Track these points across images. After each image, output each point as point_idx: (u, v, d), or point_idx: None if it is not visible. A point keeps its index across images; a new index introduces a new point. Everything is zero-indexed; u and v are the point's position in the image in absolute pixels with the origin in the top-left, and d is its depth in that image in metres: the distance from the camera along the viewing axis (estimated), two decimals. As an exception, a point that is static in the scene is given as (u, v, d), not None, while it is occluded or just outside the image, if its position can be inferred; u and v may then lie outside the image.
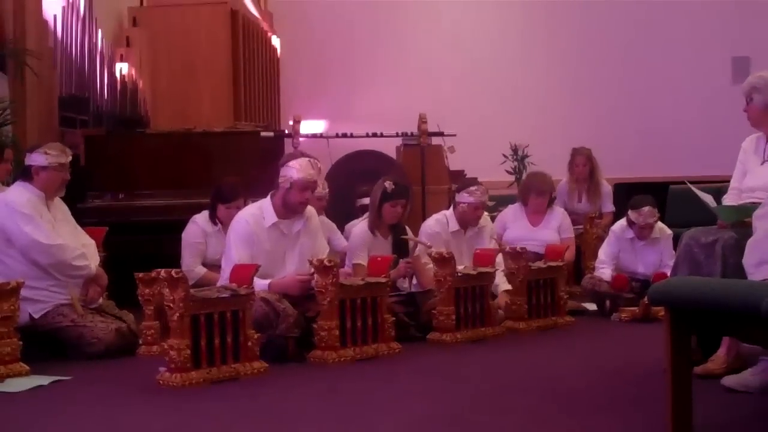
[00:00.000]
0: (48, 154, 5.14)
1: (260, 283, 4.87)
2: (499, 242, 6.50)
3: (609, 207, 8.01)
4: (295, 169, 5.06)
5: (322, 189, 6.36)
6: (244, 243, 5.05)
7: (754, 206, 4.08)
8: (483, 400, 4.01)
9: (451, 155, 8.45)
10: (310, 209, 5.36)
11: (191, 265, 6.06)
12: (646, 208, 6.31)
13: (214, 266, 5.80)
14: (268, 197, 5.19)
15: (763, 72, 4.46)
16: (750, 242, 3.86)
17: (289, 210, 5.13)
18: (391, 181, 5.86)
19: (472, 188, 6.12)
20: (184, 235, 6.23)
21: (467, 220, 6.17)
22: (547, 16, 11.47)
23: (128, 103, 8.64)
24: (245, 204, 5.91)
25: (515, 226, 6.92)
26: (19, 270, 4.97)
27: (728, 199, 4.52)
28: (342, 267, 5.42)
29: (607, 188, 8.08)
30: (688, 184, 5.04)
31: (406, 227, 6.06)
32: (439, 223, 6.18)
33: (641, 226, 6.33)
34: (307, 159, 5.13)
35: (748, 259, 3.81)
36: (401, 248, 5.93)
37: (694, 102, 11.13)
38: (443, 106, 9.65)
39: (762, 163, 4.43)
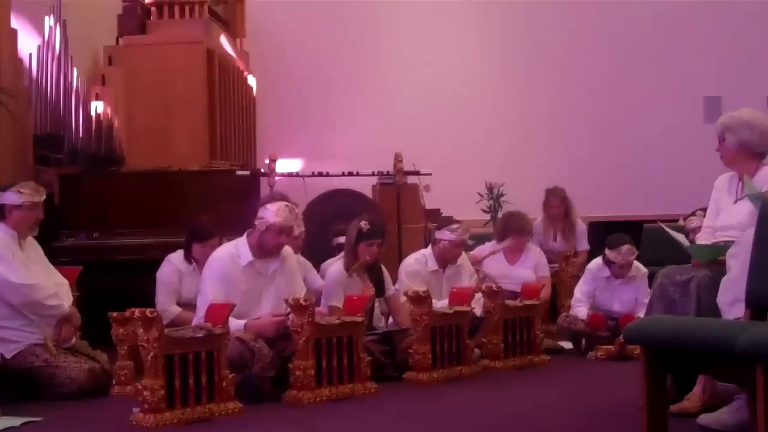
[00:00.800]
0: (21, 192, 5.12)
1: (236, 323, 4.85)
2: (479, 278, 6.53)
3: (584, 245, 8.04)
4: (272, 213, 5.07)
5: (298, 228, 6.36)
6: (219, 282, 5.04)
7: (727, 245, 4.11)
8: (459, 440, 3.99)
9: (427, 194, 8.47)
10: (287, 249, 5.35)
11: (165, 304, 6.01)
12: (626, 247, 6.33)
13: (189, 305, 5.76)
14: (244, 236, 5.18)
15: (734, 112, 4.51)
16: (724, 281, 3.89)
17: (264, 251, 5.13)
18: (367, 221, 5.87)
19: (454, 226, 6.19)
20: (158, 274, 6.19)
21: (447, 258, 6.20)
22: (522, 56, 11.55)
23: (103, 141, 8.60)
24: (220, 242, 5.90)
25: (492, 263, 6.92)
26: (-9, 310, 4.93)
27: (702, 238, 4.55)
28: (317, 306, 5.40)
29: (582, 227, 8.12)
30: (661, 225, 5.08)
31: (382, 266, 6.06)
32: (418, 262, 6.22)
33: (620, 265, 6.35)
34: (285, 204, 5.13)
35: (722, 298, 3.84)
36: (377, 287, 5.93)
37: (666, 141, 11.22)
38: (419, 145, 9.68)
39: (735, 202, 4.46)
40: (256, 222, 5.11)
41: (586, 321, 6.31)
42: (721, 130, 4.47)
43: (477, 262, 6.71)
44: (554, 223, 8.00)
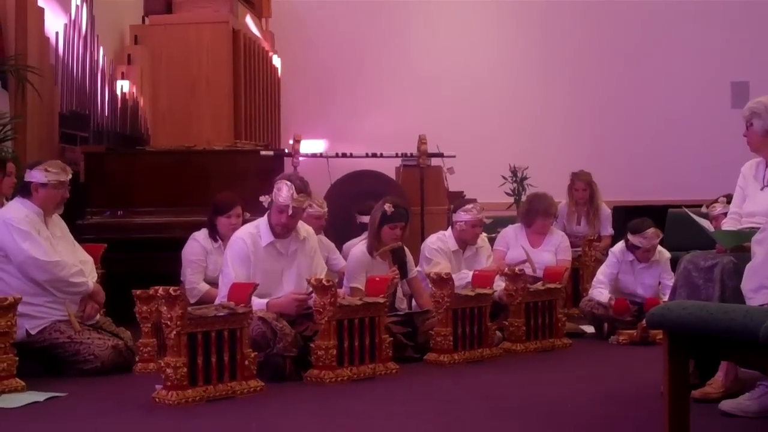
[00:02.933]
0: (48, 171, 5.15)
1: (258, 302, 4.87)
2: (501, 261, 6.53)
3: (608, 230, 8.02)
4: (275, 191, 5.09)
5: (321, 208, 6.37)
6: (240, 262, 5.06)
7: (752, 231, 4.08)
8: (480, 423, 3.99)
9: (451, 176, 8.45)
10: (309, 229, 5.37)
11: (194, 282, 6.06)
12: (651, 230, 6.29)
13: (214, 283, 5.79)
14: (265, 216, 5.20)
15: (762, 97, 4.46)
16: (749, 267, 3.86)
17: (275, 231, 5.13)
18: (391, 204, 5.87)
19: (468, 206, 6.21)
20: (184, 252, 6.22)
21: (466, 239, 6.22)
22: (546, 38, 11.50)
23: (129, 120, 8.65)
24: (244, 213, 5.92)
25: (515, 247, 6.91)
26: (17, 286, 4.97)
27: (727, 224, 4.51)
28: (340, 287, 5.42)
29: (606, 212, 8.10)
30: (686, 210, 5.05)
31: (405, 248, 6.07)
32: (440, 240, 6.28)
33: (645, 249, 6.31)
34: (285, 182, 5.10)
35: (747, 284, 3.81)
36: (400, 269, 5.93)
37: (693, 126, 11.15)
38: (443, 127, 9.66)
39: (762, 189, 4.42)
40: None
41: (611, 306, 6.27)
42: (749, 115, 4.44)
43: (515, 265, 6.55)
44: (579, 207, 7.98)
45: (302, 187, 5.10)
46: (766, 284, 3.62)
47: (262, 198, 5.14)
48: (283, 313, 5.00)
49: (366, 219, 6.22)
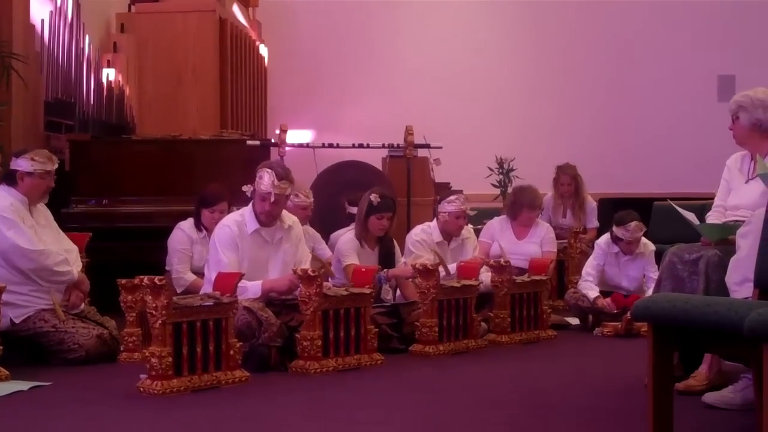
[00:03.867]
0: (34, 160, 5.13)
1: (253, 284, 4.91)
2: (486, 253, 6.54)
3: (593, 223, 8.04)
4: (257, 179, 5.09)
5: (307, 198, 6.37)
6: (229, 248, 5.06)
7: (737, 224, 4.10)
8: (465, 413, 4.00)
9: (437, 167, 8.45)
10: (293, 218, 5.37)
11: (181, 272, 6.07)
12: (633, 223, 6.32)
13: (199, 273, 5.79)
14: (250, 205, 5.20)
15: (748, 91, 4.47)
16: (733, 260, 3.88)
17: (260, 219, 5.14)
18: (377, 194, 5.90)
19: (451, 198, 6.23)
20: (169, 241, 6.21)
21: (450, 230, 6.23)
22: (535, 31, 11.50)
23: (114, 108, 8.61)
24: (229, 209, 5.92)
25: (500, 238, 6.92)
26: (1, 274, 4.95)
27: (712, 217, 4.53)
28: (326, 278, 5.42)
29: (592, 204, 8.12)
30: (671, 203, 5.06)
31: (393, 239, 6.08)
32: (424, 232, 6.27)
33: (628, 241, 6.34)
34: (266, 170, 5.10)
35: (731, 277, 3.83)
36: (388, 260, 5.95)
37: (679, 119, 11.18)
38: (430, 118, 9.65)
39: (747, 182, 4.44)
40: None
41: (604, 306, 6.26)
42: (735, 108, 4.45)
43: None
44: (564, 200, 8.01)
45: (284, 174, 5.09)
46: (750, 277, 3.64)
47: (244, 188, 5.14)
48: (274, 289, 5.02)
49: (354, 210, 6.24)
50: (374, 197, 5.87)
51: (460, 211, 6.20)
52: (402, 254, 6.26)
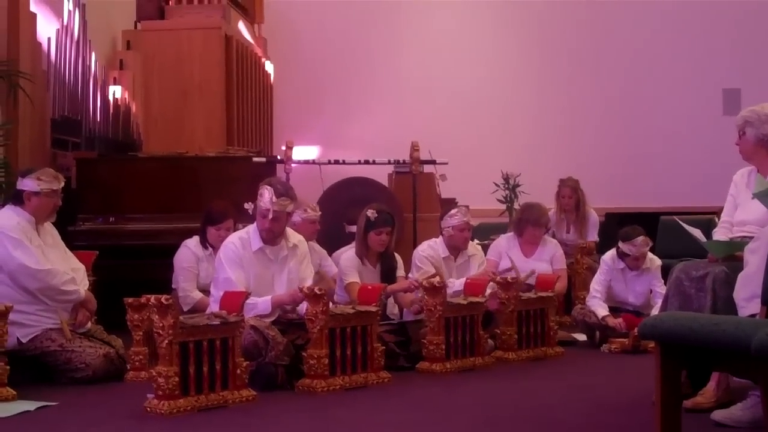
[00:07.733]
0: (40, 180, 5.14)
1: (262, 300, 4.94)
2: (493, 271, 6.51)
3: (593, 236, 7.98)
4: (258, 197, 5.10)
5: (315, 212, 6.35)
6: (235, 265, 5.06)
7: (744, 241, 4.09)
8: (473, 431, 3.99)
9: (443, 183, 8.45)
10: (299, 236, 5.37)
11: (188, 290, 6.05)
12: (640, 239, 6.31)
13: (205, 291, 5.78)
14: (255, 223, 5.20)
15: (755, 106, 4.47)
16: (741, 276, 3.87)
17: (263, 237, 5.14)
18: (374, 210, 5.90)
19: (453, 211, 6.24)
20: (175, 259, 6.20)
21: (456, 244, 6.22)
22: (540, 46, 11.52)
23: (121, 126, 8.64)
24: (235, 227, 5.92)
25: (506, 258, 6.90)
26: (8, 294, 4.95)
27: (719, 233, 4.52)
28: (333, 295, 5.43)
29: (594, 218, 8.06)
30: (677, 219, 5.06)
31: (396, 255, 6.08)
32: (431, 248, 6.27)
33: (635, 257, 6.32)
34: (266, 187, 5.10)
35: (739, 294, 3.82)
36: (389, 277, 5.94)
37: (685, 133, 11.17)
38: (435, 134, 9.67)
39: (753, 197, 4.43)
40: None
41: (617, 326, 6.23)
42: (742, 124, 4.44)
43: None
44: (566, 214, 7.97)
45: (283, 191, 5.08)
46: (758, 293, 3.63)
47: (246, 205, 5.14)
48: (280, 303, 5.04)
49: (354, 228, 6.24)
50: (371, 213, 5.88)
51: (464, 223, 6.19)
52: (406, 270, 6.25)
